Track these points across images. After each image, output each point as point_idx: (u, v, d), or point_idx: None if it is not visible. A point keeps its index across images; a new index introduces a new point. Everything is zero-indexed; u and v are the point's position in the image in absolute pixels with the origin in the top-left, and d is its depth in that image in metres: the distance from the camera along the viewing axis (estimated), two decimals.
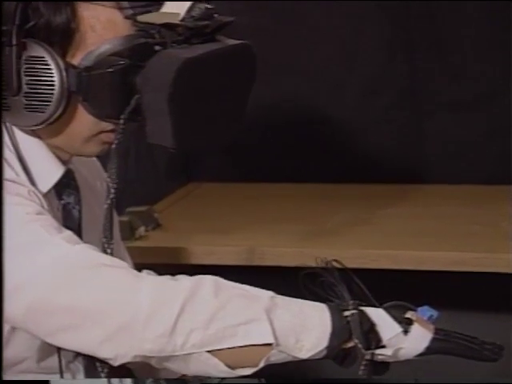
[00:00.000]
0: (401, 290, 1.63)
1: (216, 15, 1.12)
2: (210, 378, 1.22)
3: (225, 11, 1.14)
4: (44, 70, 1.10)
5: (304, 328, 1.06)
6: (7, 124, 1.16)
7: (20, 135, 1.17)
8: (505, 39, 2.03)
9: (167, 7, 1.10)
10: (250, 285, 1.11)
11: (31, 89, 1.11)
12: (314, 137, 2.23)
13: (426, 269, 1.71)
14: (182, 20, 1.09)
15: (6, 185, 1.10)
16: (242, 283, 1.10)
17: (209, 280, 1.08)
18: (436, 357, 1.10)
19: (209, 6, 1.11)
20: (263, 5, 2.18)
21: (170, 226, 1.92)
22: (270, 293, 1.09)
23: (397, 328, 1.08)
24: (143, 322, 1.04)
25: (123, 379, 1.19)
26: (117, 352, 1.07)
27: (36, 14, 1.10)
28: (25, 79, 1.11)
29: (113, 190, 1.12)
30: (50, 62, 1.10)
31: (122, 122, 1.12)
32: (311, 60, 2.22)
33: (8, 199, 1.09)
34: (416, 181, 2.19)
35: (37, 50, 1.10)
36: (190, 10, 1.09)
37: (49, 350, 1.18)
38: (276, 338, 1.04)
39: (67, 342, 1.09)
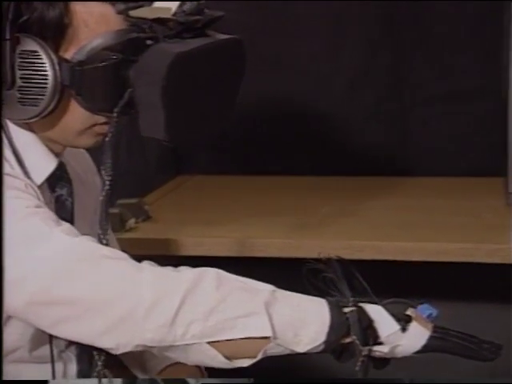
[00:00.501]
0: (396, 281, 1.65)
1: (206, 10, 1.13)
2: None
3: (216, 8, 1.14)
4: (37, 64, 1.10)
5: (303, 323, 1.06)
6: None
7: (14, 128, 1.17)
8: (493, 34, 2.03)
9: (159, 2, 1.10)
10: (239, 275, 1.11)
11: (25, 83, 1.11)
12: (302, 131, 2.23)
13: (409, 259, 1.71)
14: (173, 15, 1.10)
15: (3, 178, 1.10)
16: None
17: (211, 273, 1.08)
18: (434, 356, 1.10)
19: (199, 1, 1.12)
20: (253, 3, 2.18)
21: (160, 217, 1.92)
22: (271, 287, 1.09)
23: (395, 325, 1.08)
24: (145, 312, 1.05)
25: (114, 379, 1.20)
26: (118, 342, 1.07)
27: (29, 8, 1.10)
28: (18, 73, 1.11)
29: (108, 182, 1.12)
30: (43, 56, 1.10)
31: (115, 115, 1.12)
32: (301, 56, 2.21)
33: (5, 193, 1.09)
34: (403, 173, 2.19)
35: (30, 45, 1.10)
36: (181, 5, 1.09)
37: (41, 339, 1.19)
38: (274, 331, 1.05)
39: (68, 332, 1.10)
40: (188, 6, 1.10)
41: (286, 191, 2.11)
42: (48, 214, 1.11)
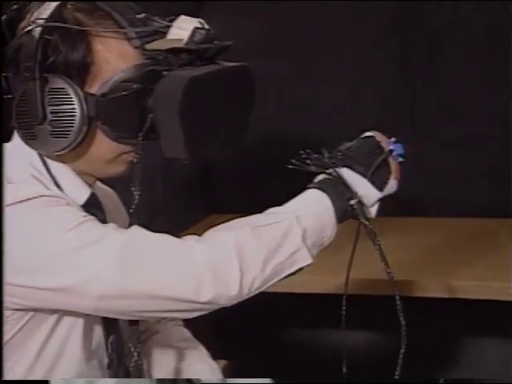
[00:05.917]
0: None
1: (216, 41, 1.13)
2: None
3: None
4: (65, 100, 1.10)
5: (323, 230, 1.16)
6: (39, 152, 1.15)
7: (50, 162, 1.15)
8: (503, 79, 2.01)
9: (171, 34, 1.10)
10: None
11: (55, 117, 1.10)
12: None
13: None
14: (185, 45, 1.09)
15: (46, 200, 1.09)
16: None
17: (247, 225, 1.14)
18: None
19: (209, 32, 1.12)
20: (278, 51, 2.18)
21: None
22: (292, 214, 1.14)
23: (377, 194, 1.21)
24: (210, 294, 1.08)
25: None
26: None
27: (55, 51, 1.10)
28: (49, 109, 1.10)
29: (137, 197, 1.12)
30: (70, 92, 1.10)
31: (140, 139, 1.11)
32: (321, 103, 2.21)
33: (52, 211, 1.08)
34: (416, 214, 2.16)
35: (58, 83, 1.10)
36: (192, 35, 1.09)
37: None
38: (312, 255, 1.14)
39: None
40: (198, 36, 1.10)
41: None
42: (93, 220, 1.11)
